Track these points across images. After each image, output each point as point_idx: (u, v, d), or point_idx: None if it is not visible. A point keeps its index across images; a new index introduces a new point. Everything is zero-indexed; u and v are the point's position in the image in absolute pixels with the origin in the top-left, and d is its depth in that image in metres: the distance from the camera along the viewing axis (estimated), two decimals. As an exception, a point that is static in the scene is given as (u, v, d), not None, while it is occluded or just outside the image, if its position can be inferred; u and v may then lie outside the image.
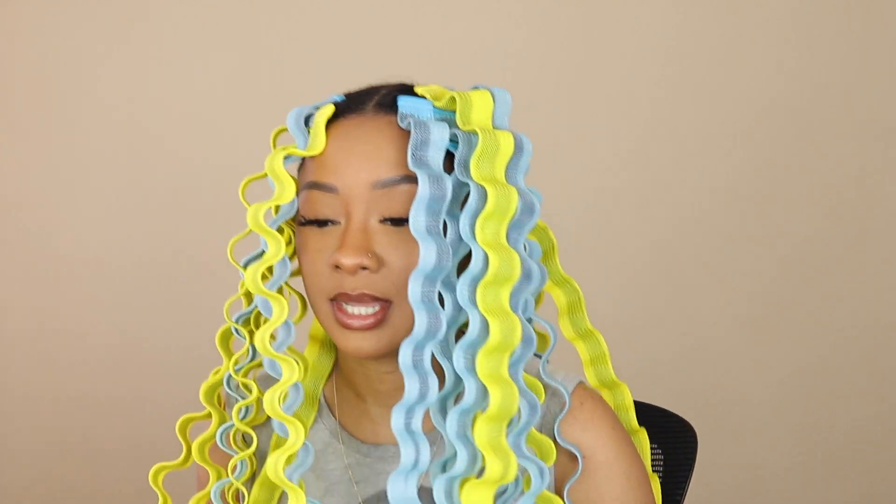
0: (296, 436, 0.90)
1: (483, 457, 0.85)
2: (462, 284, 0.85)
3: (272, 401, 0.89)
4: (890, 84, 2.32)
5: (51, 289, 2.47)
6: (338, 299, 0.89)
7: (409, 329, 0.89)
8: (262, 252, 0.95)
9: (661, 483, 1.20)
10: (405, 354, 0.84)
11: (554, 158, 2.25)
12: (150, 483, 1.03)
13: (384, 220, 0.89)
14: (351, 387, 1.03)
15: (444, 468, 0.88)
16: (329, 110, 0.92)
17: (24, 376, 2.50)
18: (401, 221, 0.88)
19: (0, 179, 2.47)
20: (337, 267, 0.89)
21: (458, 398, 0.89)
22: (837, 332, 2.35)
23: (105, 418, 2.48)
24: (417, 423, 0.84)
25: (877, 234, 2.35)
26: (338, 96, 0.96)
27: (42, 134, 2.44)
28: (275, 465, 0.89)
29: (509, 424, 0.88)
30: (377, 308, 0.89)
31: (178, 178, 2.42)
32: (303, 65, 2.35)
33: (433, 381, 0.85)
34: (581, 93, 2.35)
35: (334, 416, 1.05)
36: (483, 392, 0.85)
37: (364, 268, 0.88)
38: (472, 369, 0.85)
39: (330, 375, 1.08)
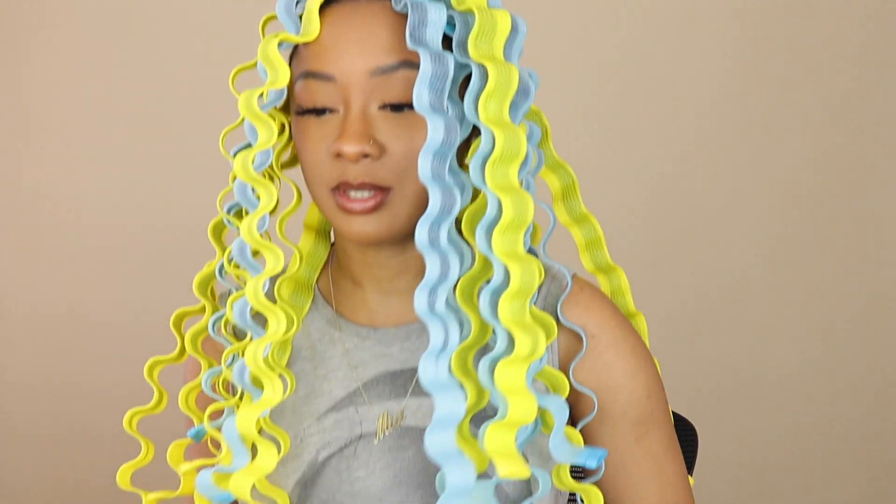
0: (276, 325, 0.92)
1: (510, 334, 0.85)
2: (473, 166, 0.85)
3: (255, 288, 0.91)
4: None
5: (51, 282, 2.53)
6: (340, 188, 0.89)
7: (410, 214, 0.90)
8: (249, 144, 0.95)
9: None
10: (421, 233, 0.83)
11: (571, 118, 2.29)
12: (146, 377, 1.03)
13: (384, 107, 0.88)
14: (347, 275, 1.02)
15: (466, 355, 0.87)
16: None
17: (25, 369, 2.57)
18: (400, 107, 0.88)
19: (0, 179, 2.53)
20: (339, 155, 0.88)
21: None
22: (837, 329, 2.36)
23: (104, 410, 2.51)
24: (441, 303, 0.83)
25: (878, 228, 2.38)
26: None
27: (43, 130, 2.50)
28: (254, 353, 0.90)
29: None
30: (377, 192, 0.89)
31: (181, 170, 2.45)
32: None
33: (454, 259, 0.84)
34: (596, 20, 2.32)
35: (331, 305, 1.03)
36: (505, 277, 0.85)
37: (366, 155, 0.87)
38: (490, 248, 0.85)
39: (325, 266, 1.07)
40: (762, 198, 2.34)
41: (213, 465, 1.03)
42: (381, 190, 0.89)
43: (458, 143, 0.85)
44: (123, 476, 1.01)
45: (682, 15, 2.30)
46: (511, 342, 0.85)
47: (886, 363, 2.36)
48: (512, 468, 0.81)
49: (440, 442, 0.82)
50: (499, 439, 0.82)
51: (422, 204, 0.91)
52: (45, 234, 2.52)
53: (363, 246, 0.96)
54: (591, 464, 0.87)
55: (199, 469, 1.04)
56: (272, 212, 0.94)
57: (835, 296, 2.35)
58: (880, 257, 2.33)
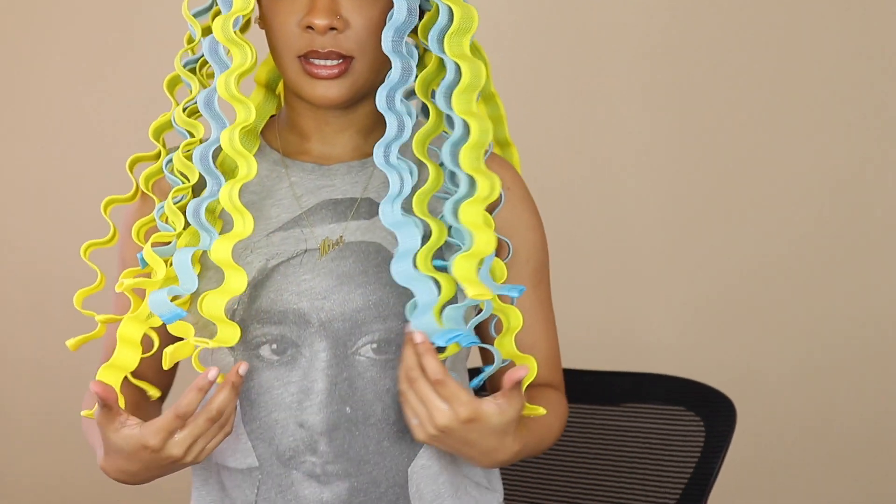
0: (247, 168, 1.04)
1: (471, 178, 1.03)
2: (431, 38, 1.02)
3: (230, 136, 1.03)
4: None
5: (51, 287, 2.44)
6: (307, 56, 1.02)
7: (367, 80, 1.05)
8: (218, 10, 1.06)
9: (700, 452, 1.30)
10: (381, 97, 1.00)
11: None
12: (102, 212, 1.14)
13: None
14: (295, 130, 1.14)
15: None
16: None
17: (25, 367, 2.48)
18: None
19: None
20: (308, 28, 1.01)
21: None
22: (836, 327, 2.31)
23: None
24: (394, 156, 1.01)
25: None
26: None
27: (44, 130, 2.43)
28: (229, 192, 1.03)
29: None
30: (341, 61, 1.03)
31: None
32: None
33: (408, 120, 1.01)
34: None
35: (278, 151, 1.14)
36: (465, 130, 1.03)
37: (333, 28, 1.01)
38: (450, 107, 1.02)
39: (271, 121, 1.17)
40: (764, 199, 2.31)
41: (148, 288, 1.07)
42: (345, 59, 1.03)
43: (416, 21, 1.01)
44: (78, 299, 1.11)
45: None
46: (472, 185, 1.03)
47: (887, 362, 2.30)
48: (478, 290, 0.98)
49: (404, 269, 0.99)
50: (465, 267, 0.99)
51: (378, 72, 1.05)
52: (46, 235, 2.43)
53: (324, 108, 1.07)
54: (513, 294, 1.02)
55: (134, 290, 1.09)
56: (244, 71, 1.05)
57: (835, 294, 2.31)
58: (882, 256, 2.30)
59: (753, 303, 2.33)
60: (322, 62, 1.03)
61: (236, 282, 1.03)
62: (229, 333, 1.04)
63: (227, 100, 1.04)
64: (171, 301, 1.03)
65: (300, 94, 1.06)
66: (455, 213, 1.03)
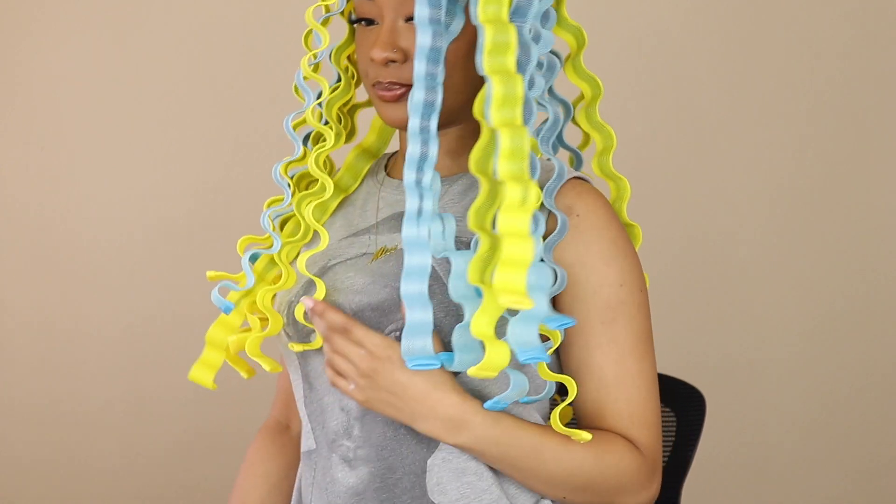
0: (323, 188, 1.21)
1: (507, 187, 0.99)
2: (477, 59, 1.01)
3: (314, 158, 1.20)
4: None
5: (52, 287, 2.49)
6: (376, 86, 1.13)
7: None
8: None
9: (672, 444, 1.35)
10: (413, 125, 1.02)
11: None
12: (238, 251, 1.23)
13: (409, 20, 1.10)
14: (400, 152, 1.26)
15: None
16: None
17: (24, 376, 2.50)
18: None
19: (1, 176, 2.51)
20: (372, 59, 1.11)
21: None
22: (843, 297, 2.36)
23: (102, 419, 2.48)
24: (427, 179, 1.02)
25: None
26: None
27: (43, 130, 2.47)
28: (306, 208, 1.20)
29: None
30: (402, 88, 1.11)
31: (183, 172, 2.44)
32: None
33: (434, 145, 1.02)
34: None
35: (385, 170, 1.28)
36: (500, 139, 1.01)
37: (392, 61, 1.10)
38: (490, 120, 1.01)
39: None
40: (765, 193, 2.35)
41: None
42: (404, 85, 1.11)
43: (444, 49, 1.03)
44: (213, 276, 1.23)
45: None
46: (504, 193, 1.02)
47: (885, 357, 2.34)
48: (514, 298, 0.94)
49: (413, 290, 1.01)
50: (504, 277, 0.95)
51: (446, 97, 1.10)
52: (46, 236, 2.48)
53: (396, 127, 1.16)
54: (551, 325, 1.00)
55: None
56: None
57: (833, 289, 2.35)
58: (880, 251, 2.34)
59: (731, 297, 2.39)
60: (387, 88, 1.12)
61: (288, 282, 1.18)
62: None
63: (315, 127, 1.22)
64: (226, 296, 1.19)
65: (380, 118, 1.17)
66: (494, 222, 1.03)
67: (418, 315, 1.01)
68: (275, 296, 1.21)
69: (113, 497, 2.47)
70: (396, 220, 1.18)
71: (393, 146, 1.33)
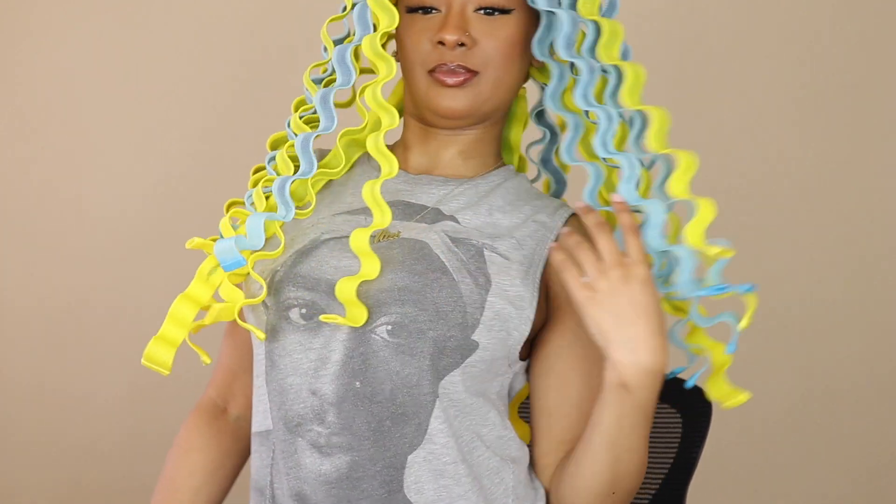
0: (389, 167, 1.13)
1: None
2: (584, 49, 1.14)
3: (375, 139, 1.14)
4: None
5: (51, 284, 2.48)
6: (436, 70, 1.13)
7: (489, 96, 1.14)
8: (348, 35, 1.20)
9: (678, 445, 1.35)
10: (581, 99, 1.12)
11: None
12: (225, 211, 1.24)
13: (478, 10, 1.12)
14: (399, 144, 1.26)
15: None
16: None
17: (25, 370, 2.49)
18: (492, 11, 1.12)
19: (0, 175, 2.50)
20: (440, 43, 1.11)
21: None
22: (847, 296, 2.35)
23: (108, 417, 2.48)
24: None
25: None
26: None
27: (43, 128, 2.46)
28: (371, 188, 1.12)
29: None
30: (468, 73, 1.13)
31: (185, 166, 2.44)
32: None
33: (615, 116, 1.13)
34: None
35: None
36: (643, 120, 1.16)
37: (462, 44, 1.11)
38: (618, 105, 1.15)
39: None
40: (770, 190, 2.34)
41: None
42: (471, 72, 1.13)
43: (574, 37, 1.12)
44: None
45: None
46: (670, 162, 1.14)
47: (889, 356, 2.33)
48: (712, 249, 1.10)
49: (654, 237, 1.10)
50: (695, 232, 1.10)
51: (503, 91, 1.16)
52: (46, 232, 2.47)
53: (447, 119, 1.16)
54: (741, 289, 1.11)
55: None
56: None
57: (838, 287, 2.34)
58: (883, 247, 2.34)
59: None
60: (451, 73, 1.11)
61: (370, 268, 1.09)
62: (357, 314, 1.08)
63: (371, 59, 1.14)
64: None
65: (428, 107, 1.15)
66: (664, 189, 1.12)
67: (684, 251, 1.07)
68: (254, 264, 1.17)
69: (114, 485, 2.45)
70: (398, 207, 1.17)
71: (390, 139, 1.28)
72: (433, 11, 1.13)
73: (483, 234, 1.15)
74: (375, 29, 1.15)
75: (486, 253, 1.13)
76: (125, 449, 2.48)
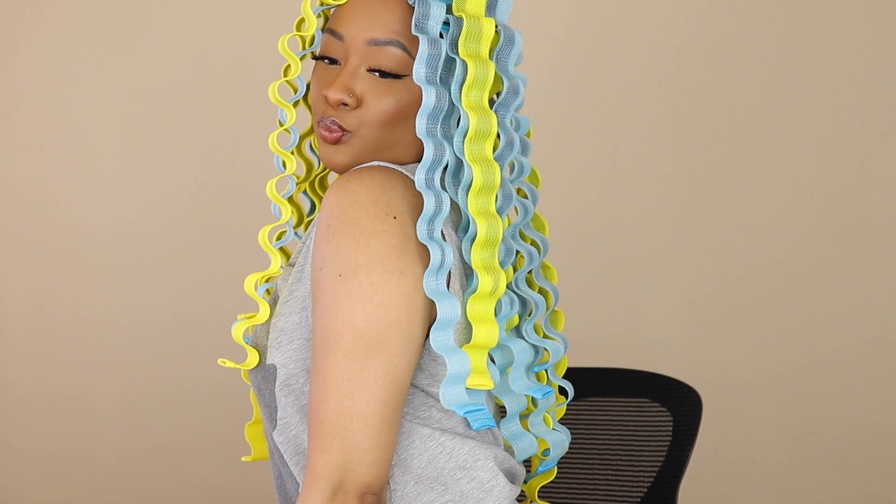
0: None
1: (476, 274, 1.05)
2: (456, 138, 1.08)
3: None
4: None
5: (52, 286, 2.48)
6: (320, 122, 1.13)
7: (371, 154, 1.13)
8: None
9: (669, 443, 1.36)
10: (419, 176, 1.05)
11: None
12: (246, 291, 1.15)
13: (371, 70, 1.11)
14: None
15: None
16: None
17: (26, 376, 2.49)
18: (385, 74, 1.11)
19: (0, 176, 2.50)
20: (325, 98, 1.12)
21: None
22: (841, 298, 2.37)
23: (104, 416, 2.47)
24: (437, 232, 1.04)
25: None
26: None
27: (43, 130, 2.47)
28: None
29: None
30: (340, 132, 1.11)
31: (183, 169, 2.44)
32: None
33: (446, 198, 1.06)
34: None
35: None
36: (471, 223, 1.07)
37: (344, 104, 1.10)
38: (465, 204, 1.07)
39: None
40: (763, 199, 2.36)
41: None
42: (345, 131, 1.12)
43: (445, 109, 1.08)
44: (237, 331, 1.13)
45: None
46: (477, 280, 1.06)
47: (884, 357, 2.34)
48: (480, 381, 1.02)
49: (443, 339, 1.03)
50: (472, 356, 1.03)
51: (383, 148, 1.13)
52: (46, 235, 2.47)
53: (332, 170, 1.16)
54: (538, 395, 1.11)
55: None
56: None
57: (831, 290, 2.36)
58: (880, 252, 2.35)
59: (748, 303, 2.38)
60: (328, 129, 1.11)
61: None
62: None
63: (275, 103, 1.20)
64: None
65: (321, 160, 1.16)
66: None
67: (456, 364, 1.02)
68: None
69: (114, 492, 2.45)
70: None
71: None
72: (336, 64, 1.13)
73: None
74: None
75: None
76: (123, 457, 2.48)
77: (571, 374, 1.41)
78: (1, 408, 2.49)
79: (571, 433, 1.36)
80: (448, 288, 1.05)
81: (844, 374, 2.36)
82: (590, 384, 1.45)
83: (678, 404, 1.36)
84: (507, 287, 1.13)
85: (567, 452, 1.41)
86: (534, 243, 1.19)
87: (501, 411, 1.20)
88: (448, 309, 1.01)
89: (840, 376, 2.36)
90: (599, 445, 1.44)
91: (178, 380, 2.45)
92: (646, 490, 1.38)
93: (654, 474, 1.37)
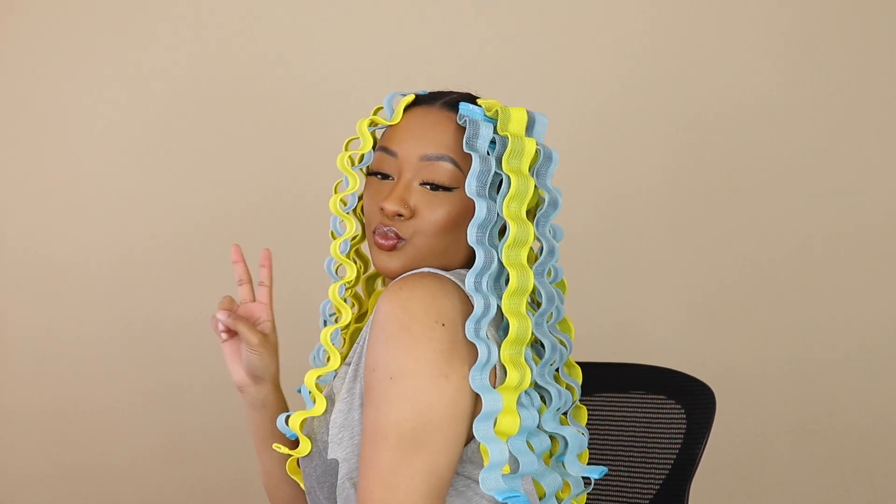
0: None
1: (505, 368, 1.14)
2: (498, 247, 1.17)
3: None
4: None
5: (50, 293, 2.47)
6: (376, 231, 1.22)
7: (425, 261, 1.21)
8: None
9: (682, 440, 1.35)
10: (469, 282, 1.14)
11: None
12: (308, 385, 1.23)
13: (423, 184, 1.20)
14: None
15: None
16: (410, 98, 1.26)
17: (24, 382, 2.47)
18: (436, 188, 1.20)
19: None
20: (382, 209, 1.21)
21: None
22: (845, 297, 2.37)
23: (104, 422, 2.47)
24: (483, 331, 1.12)
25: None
26: (423, 91, 1.28)
27: (43, 130, 2.46)
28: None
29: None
30: (396, 240, 1.20)
31: (184, 171, 2.44)
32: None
33: (493, 300, 1.14)
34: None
35: None
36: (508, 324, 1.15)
37: (400, 215, 1.19)
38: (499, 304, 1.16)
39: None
40: (767, 196, 2.37)
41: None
42: (401, 238, 1.21)
43: (494, 220, 1.18)
44: (295, 421, 1.22)
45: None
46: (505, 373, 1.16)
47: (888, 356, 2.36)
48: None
49: (484, 431, 1.11)
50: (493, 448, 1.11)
51: (435, 255, 1.22)
52: (45, 235, 2.46)
53: (385, 276, 1.24)
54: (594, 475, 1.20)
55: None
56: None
57: (837, 295, 2.36)
58: (883, 250, 2.36)
59: (753, 300, 2.39)
60: (384, 237, 1.20)
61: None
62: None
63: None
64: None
65: (372, 262, 1.25)
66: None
67: (496, 453, 1.10)
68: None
69: (115, 499, 2.45)
70: None
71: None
72: (389, 178, 1.22)
73: None
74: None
75: None
76: (123, 462, 2.47)
77: (585, 368, 1.42)
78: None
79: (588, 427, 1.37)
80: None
81: (851, 371, 2.37)
82: (603, 379, 1.45)
83: (691, 401, 1.36)
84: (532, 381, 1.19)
85: (580, 447, 1.41)
86: (561, 342, 1.25)
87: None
88: (492, 402, 1.10)
89: (847, 372, 2.37)
90: (613, 441, 1.44)
91: (179, 380, 2.44)
92: (658, 487, 1.37)
93: (667, 471, 1.37)
